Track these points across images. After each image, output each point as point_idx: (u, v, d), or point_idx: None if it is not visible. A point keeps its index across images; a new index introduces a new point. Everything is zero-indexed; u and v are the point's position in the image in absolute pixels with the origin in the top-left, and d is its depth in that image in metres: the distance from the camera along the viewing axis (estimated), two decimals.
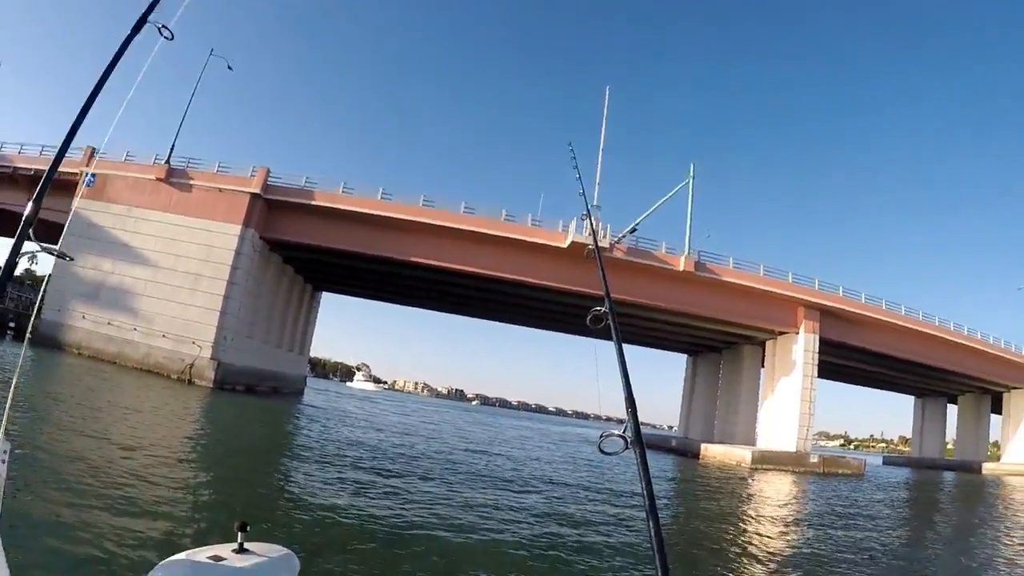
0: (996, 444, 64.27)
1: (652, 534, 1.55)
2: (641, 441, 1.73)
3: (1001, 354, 47.29)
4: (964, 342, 44.41)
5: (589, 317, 2.21)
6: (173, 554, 1.42)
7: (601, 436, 1.75)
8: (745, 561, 8.99)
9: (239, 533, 1.50)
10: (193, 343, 29.41)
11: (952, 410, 62.04)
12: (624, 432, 1.74)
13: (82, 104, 2.27)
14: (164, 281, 30.74)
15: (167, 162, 32.80)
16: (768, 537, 12.33)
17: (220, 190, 31.92)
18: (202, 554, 1.42)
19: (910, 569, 10.07)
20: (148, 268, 31.09)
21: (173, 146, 33.37)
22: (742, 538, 11.15)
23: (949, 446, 65.56)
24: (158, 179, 32.21)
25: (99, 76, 2.38)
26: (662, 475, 25.32)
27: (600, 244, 32.51)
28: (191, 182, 32.39)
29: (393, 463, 13.58)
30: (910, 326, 41.15)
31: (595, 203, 34.25)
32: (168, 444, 10.82)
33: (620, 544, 8.85)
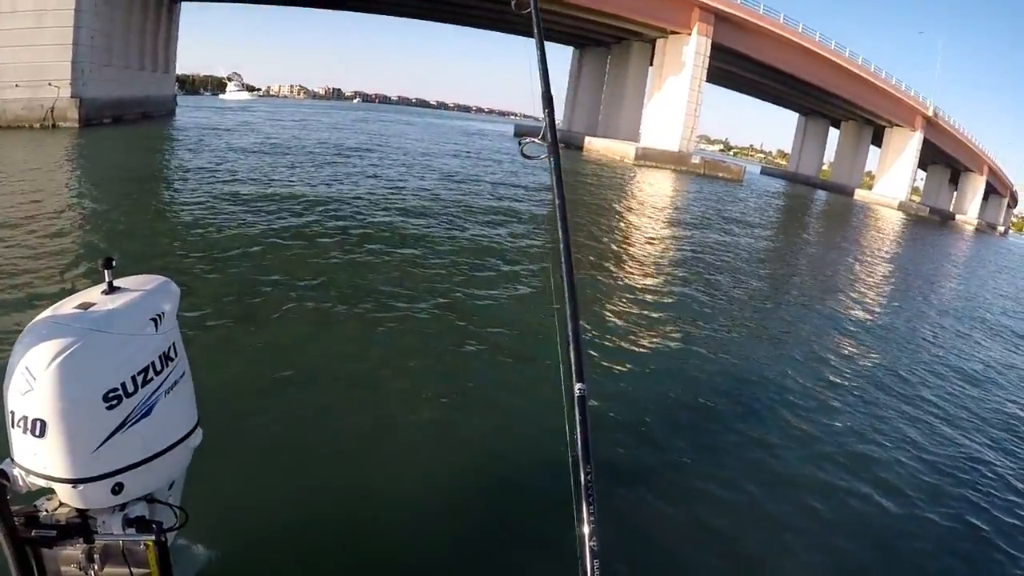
0: (870, 174, 69.55)
1: (562, 237, 1.47)
2: (557, 148, 1.62)
3: (889, 89, 48.84)
4: (856, 70, 45.52)
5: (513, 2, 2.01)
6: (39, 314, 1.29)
7: (521, 142, 1.69)
8: (627, 253, 9.80)
9: (105, 271, 1.35)
10: (50, 85, 27.26)
11: (834, 134, 65.58)
12: (543, 137, 1.63)
13: None
14: (5, 27, 26.89)
15: None
16: (650, 232, 12.86)
17: None
18: (68, 305, 1.28)
19: (777, 270, 10.81)
20: None
21: None
22: (628, 230, 11.84)
23: (825, 167, 71.19)
24: None
25: None
26: (546, 163, 27.15)
27: None
28: None
29: (266, 182, 13.23)
30: (805, 44, 41.60)
31: None
32: (32, 198, 9.63)
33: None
